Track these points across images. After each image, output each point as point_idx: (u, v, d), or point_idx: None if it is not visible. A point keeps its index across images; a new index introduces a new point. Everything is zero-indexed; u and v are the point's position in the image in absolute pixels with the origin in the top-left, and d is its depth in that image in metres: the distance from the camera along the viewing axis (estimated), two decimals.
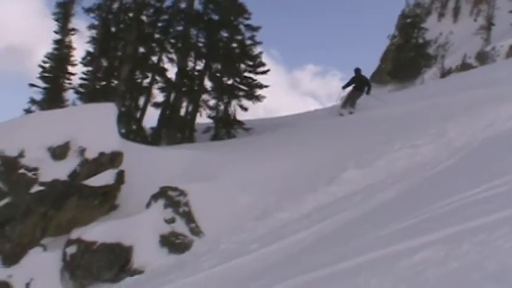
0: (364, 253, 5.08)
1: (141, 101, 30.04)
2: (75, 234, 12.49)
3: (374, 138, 13.79)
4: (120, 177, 13.88)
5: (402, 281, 3.94)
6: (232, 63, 27.93)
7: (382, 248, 5.01)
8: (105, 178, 13.58)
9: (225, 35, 29.01)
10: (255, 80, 27.44)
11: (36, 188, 13.24)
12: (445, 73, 48.44)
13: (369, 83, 23.62)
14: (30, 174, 13.38)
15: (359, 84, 22.79)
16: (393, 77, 62.11)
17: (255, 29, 28.05)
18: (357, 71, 22.97)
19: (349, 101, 22.85)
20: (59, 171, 13.60)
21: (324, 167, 12.48)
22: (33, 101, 30.88)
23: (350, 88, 23.04)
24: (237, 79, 27.65)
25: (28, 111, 30.31)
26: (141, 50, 30.10)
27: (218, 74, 28.27)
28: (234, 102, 28.28)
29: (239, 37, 28.49)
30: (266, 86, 27.39)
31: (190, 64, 29.55)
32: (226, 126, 27.75)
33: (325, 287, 4.51)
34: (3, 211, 13.10)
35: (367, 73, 34.23)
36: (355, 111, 22.08)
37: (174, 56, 29.69)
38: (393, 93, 30.48)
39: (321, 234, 7.51)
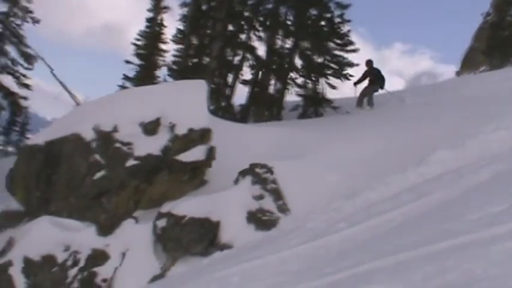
0: (455, 236, 4.97)
1: (230, 78, 30.34)
2: (165, 207, 12.80)
3: (465, 119, 13.40)
4: (210, 153, 14.11)
5: (495, 266, 3.84)
6: (321, 42, 27.70)
7: (475, 232, 4.89)
8: (195, 154, 13.84)
9: (314, 12, 28.75)
10: (344, 58, 27.13)
11: (130, 162, 13.66)
12: None
13: (383, 76, 22.47)
14: (125, 148, 13.81)
15: (373, 78, 21.84)
16: (487, 57, 59.72)
17: (344, 6, 27.67)
18: (369, 63, 22.00)
19: (365, 98, 22.05)
20: (151, 146, 13.95)
21: (414, 147, 12.24)
22: (126, 78, 31.83)
23: (364, 84, 22.18)
24: (327, 57, 27.41)
25: (122, 87, 31.30)
26: (231, 28, 30.30)
27: (308, 52, 28.10)
28: (322, 81, 28.09)
29: (328, 15, 28.19)
30: (356, 65, 27.04)
31: (279, 42, 29.54)
32: (314, 105, 27.63)
33: (415, 269, 4.45)
34: (100, 183, 13.62)
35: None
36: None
37: (262, 34, 29.77)
38: (484, 73, 29.35)
39: (410, 215, 7.39)
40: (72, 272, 12.06)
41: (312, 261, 6.87)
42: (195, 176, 14.12)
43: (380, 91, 22.24)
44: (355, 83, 22.41)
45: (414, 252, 4.97)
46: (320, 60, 27.76)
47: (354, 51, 27.48)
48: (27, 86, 31.09)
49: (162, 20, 32.99)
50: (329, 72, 27.51)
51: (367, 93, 21.97)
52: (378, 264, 5.11)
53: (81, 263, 12.18)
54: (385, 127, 15.86)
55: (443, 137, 12.02)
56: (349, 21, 27.84)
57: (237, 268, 7.98)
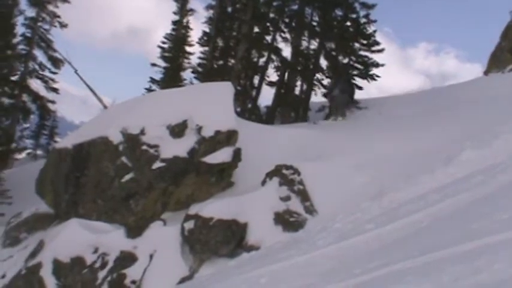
0: (485, 236, 4.93)
1: (256, 80, 30.35)
2: (193, 209, 12.87)
3: (491, 118, 13.25)
4: (236, 155, 14.13)
5: None
6: (346, 42, 27.57)
7: (505, 232, 4.84)
8: (222, 156, 13.86)
9: (339, 13, 28.63)
10: (370, 58, 26.95)
11: (157, 164, 13.75)
12: None
13: (353, 86, 22.62)
14: (152, 150, 13.90)
15: (345, 87, 21.77)
16: None
17: (370, 6, 27.46)
18: (341, 71, 21.88)
19: (337, 109, 21.97)
20: (178, 148, 14.02)
21: (440, 148, 12.15)
22: (153, 80, 32.01)
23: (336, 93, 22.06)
24: (352, 58, 27.26)
25: (149, 90, 31.51)
26: (256, 29, 30.32)
27: (333, 53, 27.99)
28: None
29: (354, 15, 28.04)
30: (382, 65, 26.83)
31: (304, 43, 29.47)
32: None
33: (444, 269, 4.41)
34: (128, 185, 13.75)
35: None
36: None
37: (288, 36, 29.73)
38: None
39: (438, 215, 7.33)
40: (101, 273, 12.18)
41: (340, 262, 6.86)
42: (222, 178, 14.15)
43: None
44: (326, 94, 22.37)
45: (444, 252, 4.94)
46: (345, 61, 27.61)
47: (379, 51, 27.28)
48: (55, 90, 31.46)
49: (187, 22, 33.09)
50: (355, 72, 27.34)
51: (339, 104, 21.99)
52: (406, 265, 5.08)
53: (110, 265, 12.30)
54: (411, 128, 15.76)
55: (471, 137, 11.91)
56: (374, 21, 27.64)
57: (264, 269, 7.99)
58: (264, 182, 13.28)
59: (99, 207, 13.95)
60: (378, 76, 26.96)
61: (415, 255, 5.28)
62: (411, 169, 11.46)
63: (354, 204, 10.76)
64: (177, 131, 14.36)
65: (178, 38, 32.48)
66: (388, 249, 6.58)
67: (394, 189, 10.48)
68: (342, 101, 22.38)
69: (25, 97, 30.35)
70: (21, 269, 12.66)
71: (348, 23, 28.29)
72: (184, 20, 32.91)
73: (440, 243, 5.38)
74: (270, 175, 13.27)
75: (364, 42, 27.39)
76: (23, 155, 31.32)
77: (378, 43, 27.41)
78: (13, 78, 27.98)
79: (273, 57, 29.66)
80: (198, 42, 32.13)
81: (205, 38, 31.59)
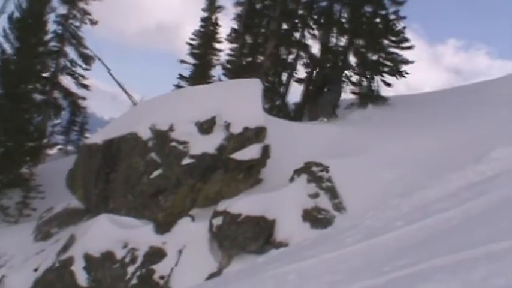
0: None
1: (284, 76, 30.33)
2: (221, 206, 12.94)
3: None
4: (265, 152, 14.15)
5: None
6: (375, 39, 27.39)
7: None
8: (250, 152, 13.90)
9: (369, 10, 28.45)
10: (399, 55, 26.75)
11: (186, 161, 13.83)
12: None
13: (341, 86, 22.21)
14: (180, 147, 13.99)
15: (333, 87, 21.36)
16: None
17: (400, 3, 27.23)
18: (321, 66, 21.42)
19: (321, 109, 21.65)
20: (207, 145, 14.08)
21: (470, 145, 12.03)
22: (182, 77, 32.18)
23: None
24: (381, 55, 27.07)
25: (177, 86, 31.69)
26: (285, 26, 30.30)
27: (362, 50, 27.83)
28: (377, 78, 27.78)
29: (383, 12, 27.84)
30: (411, 62, 26.60)
31: (333, 40, 29.37)
32: (369, 102, 27.32)
33: (475, 268, 4.38)
34: (157, 181, 13.86)
35: None
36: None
37: (316, 32, 29.66)
38: None
39: (469, 213, 7.27)
40: (131, 268, 12.32)
41: (369, 260, 6.84)
42: (250, 175, 14.19)
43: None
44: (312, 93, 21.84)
45: (474, 251, 4.90)
46: (375, 57, 27.43)
47: (409, 48, 27.05)
48: (85, 86, 31.75)
49: (216, 19, 33.21)
50: (384, 69, 27.16)
51: (321, 103, 21.64)
52: (436, 263, 5.05)
53: (140, 260, 12.43)
54: (440, 125, 15.63)
55: (501, 134, 11.78)
56: (404, 17, 27.37)
57: (293, 266, 8.00)
58: (292, 179, 13.29)
59: (128, 202, 14.10)
60: (407, 73, 26.77)
61: (445, 253, 5.25)
62: (440, 166, 11.36)
63: (383, 202, 10.70)
64: (206, 127, 14.43)
65: (207, 34, 32.62)
66: (417, 247, 6.55)
67: (423, 187, 10.40)
68: (329, 101, 22.03)
69: (56, 93, 30.73)
70: (54, 263, 12.85)
71: (377, 20, 28.11)
72: (213, 17, 33.03)
73: (471, 242, 5.35)
74: (298, 172, 13.27)
75: (394, 39, 27.19)
76: (55, 150, 31.68)
77: (407, 40, 27.17)
78: (45, 74, 28.28)
79: (302, 54, 29.62)
80: (226, 39, 32.23)
81: (233, 34, 31.66)
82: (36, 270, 13.24)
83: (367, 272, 6.12)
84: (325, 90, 21.91)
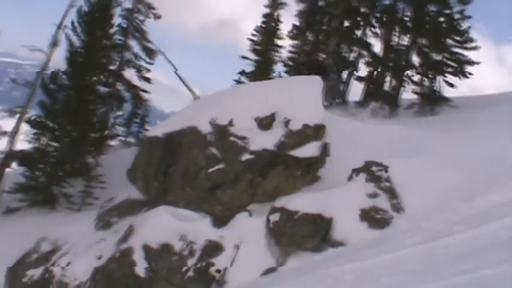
0: None
1: (345, 74, 30.22)
2: (279, 202, 12.95)
3: None
4: (324, 150, 14.11)
5: None
6: (439, 38, 26.94)
7: None
8: (310, 150, 13.87)
9: (433, 8, 28.01)
10: (464, 56, 26.24)
11: (246, 156, 13.89)
12: None
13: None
14: (240, 142, 14.06)
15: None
16: None
17: (466, 2, 26.73)
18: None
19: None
20: (265, 141, 14.11)
21: None
22: (242, 73, 32.40)
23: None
24: (445, 55, 26.62)
25: (237, 81, 31.94)
26: (346, 24, 30.18)
27: (426, 49, 27.43)
28: (439, 78, 27.34)
29: (447, 11, 27.35)
30: (477, 63, 26.08)
31: (395, 39, 29.06)
32: (431, 103, 26.88)
33: None
34: (216, 176, 13.96)
35: None
36: None
37: (378, 31, 29.43)
38: None
39: None
40: (190, 261, 12.46)
41: (429, 263, 6.74)
42: (308, 172, 14.17)
43: None
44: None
45: None
46: (438, 57, 26.99)
47: (474, 48, 26.51)
48: (147, 80, 32.33)
49: (278, 15, 33.33)
50: (447, 70, 26.70)
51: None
52: (497, 271, 4.95)
53: (198, 253, 12.57)
54: (506, 128, 15.21)
55: None
56: (469, 17, 26.88)
57: (350, 266, 7.96)
58: (350, 178, 13.19)
59: (187, 195, 14.24)
60: (470, 74, 26.27)
61: (507, 261, 5.13)
62: (506, 170, 11.09)
63: (444, 204, 10.52)
64: (265, 123, 14.46)
65: (268, 31, 32.75)
66: (478, 253, 6.42)
67: (487, 190, 10.17)
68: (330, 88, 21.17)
69: (119, 86, 31.36)
70: (115, 252, 13.12)
71: (442, 19, 27.65)
72: (275, 13, 33.14)
73: None
74: (356, 171, 13.16)
75: (458, 39, 26.70)
76: (117, 142, 32.34)
77: (472, 40, 26.66)
78: (109, 67, 28.87)
79: (364, 52, 29.44)
80: (288, 36, 32.29)
81: (295, 31, 31.69)
82: (99, 258, 13.55)
83: (426, 276, 6.05)
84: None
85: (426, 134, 15.81)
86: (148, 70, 32.29)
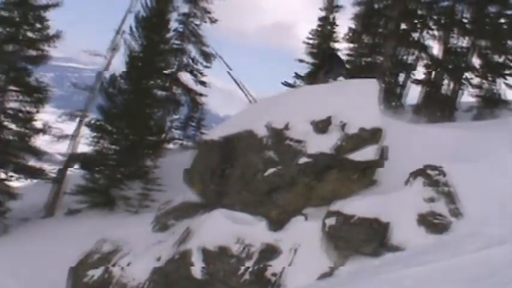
0: None
1: (401, 77, 29.92)
2: (335, 206, 12.91)
3: None
4: (382, 153, 13.98)
5: None
6: (500, 40, 26.37)
7: None
8: (367, 153, 13.74)
9: (493, 10, 27.45)
10: None
11: (303, 160, 13.88)
12: None
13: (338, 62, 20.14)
14: (296, 145, 14.07)
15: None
16: None
17: None
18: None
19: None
20: (322, 144, 14.07)
21: None
22: (297, 76, 32.37)
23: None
24: (508, 56, 26.03)
25: (289, 85, 31.92)
26: (403, 26, 29.89)
27: (486, 51, 26.89)
28: (500, 81, 26.76)
29: (509, 12, 26.75)
30: None
31: (453, 41, 28.60)
32: (490, 106, 26.31)
33: None
34: (271, 179, 14.01)
35: None
36: None
37: (436, 33, 29.03)
38: None
39: None
40: (247, 264, 12.53)
41: (490, 269, 6.62)
42: (364, 175, 14.06)
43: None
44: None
45: None
46: (499, 59, 26.40)
47: None
48: (203, 84, 32.57)
49: (334, 18, 33.19)
50: (508, 72, 26.11)
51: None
52: None
53: (255, 256, 12.63)
54: None
55: None
56: None
57: (409, 271, 7.88)
58: (407, 182, 13.04)
59: (243, 198, 14.32)
60: None
61: None
62: None
63: (504, 209, 10.32)
64: (321, 127, 14.42)
65: (324, 34, 32.64)
66: None
67: None
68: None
69: (175, 89, 31.72)
70: (174, 254, 13.30)
71: (502, 20, 27.07)
72: (331, 16, 33.01)
73: None
74: (414, 175, 13.00)
75: None
76: (174, 145, 32.71)
77: None
78: (166, 71, 29.25)
79: (422, 55, 29.09)
80: (344, 39, 32.15)
81: (351, 34, 31.53)
82: (158, 259, 13.75)
83: (487, 282, 5.95)
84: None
85: (485, 138, 15.52)
86: (204, 74, 32.53)
